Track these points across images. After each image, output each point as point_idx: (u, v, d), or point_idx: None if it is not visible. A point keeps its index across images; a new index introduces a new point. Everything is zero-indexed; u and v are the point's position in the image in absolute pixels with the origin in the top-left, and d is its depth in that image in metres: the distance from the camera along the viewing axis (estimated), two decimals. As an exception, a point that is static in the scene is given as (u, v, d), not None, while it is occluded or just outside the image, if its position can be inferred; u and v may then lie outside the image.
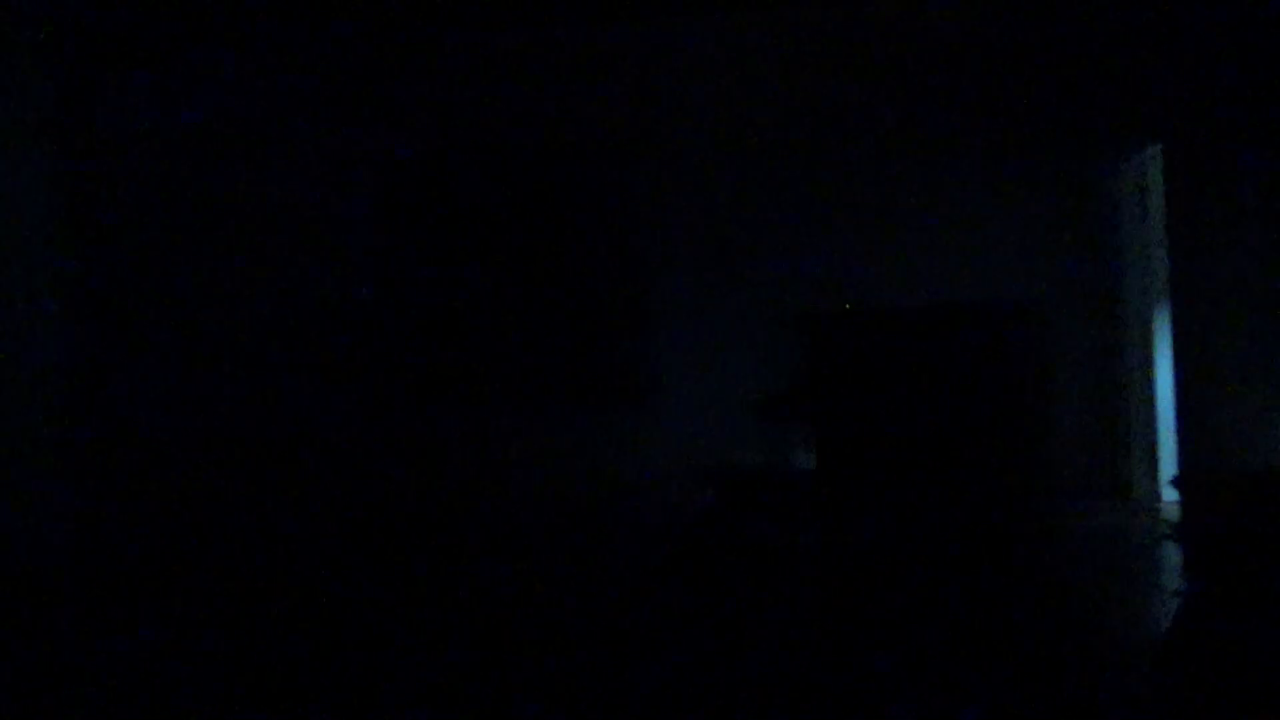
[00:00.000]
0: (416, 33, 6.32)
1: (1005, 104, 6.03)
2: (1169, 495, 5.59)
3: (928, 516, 4.25)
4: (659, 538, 5.25)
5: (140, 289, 6.41)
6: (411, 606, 4.11)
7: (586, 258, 6.34)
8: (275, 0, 5.78)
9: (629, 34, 6.29)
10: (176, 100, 6.47)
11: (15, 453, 5.50)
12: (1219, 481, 3.74)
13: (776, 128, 6.20)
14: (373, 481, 6.31)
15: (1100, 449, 5.92)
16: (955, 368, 4.36)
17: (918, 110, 6.08)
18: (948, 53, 6.08)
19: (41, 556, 5.42)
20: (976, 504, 4.25)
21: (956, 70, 6.07)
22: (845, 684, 2.92)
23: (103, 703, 2.96)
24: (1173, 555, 4.39)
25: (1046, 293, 5.82)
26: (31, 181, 5.85)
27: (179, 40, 6.28)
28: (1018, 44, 6.03)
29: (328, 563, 5.13)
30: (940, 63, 6.09)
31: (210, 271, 6.40)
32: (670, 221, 6.28)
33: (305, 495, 6.31)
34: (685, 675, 3.05)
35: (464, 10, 6.02)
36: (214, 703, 2.92)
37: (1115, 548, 4.78)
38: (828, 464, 4.46)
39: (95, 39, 6.19)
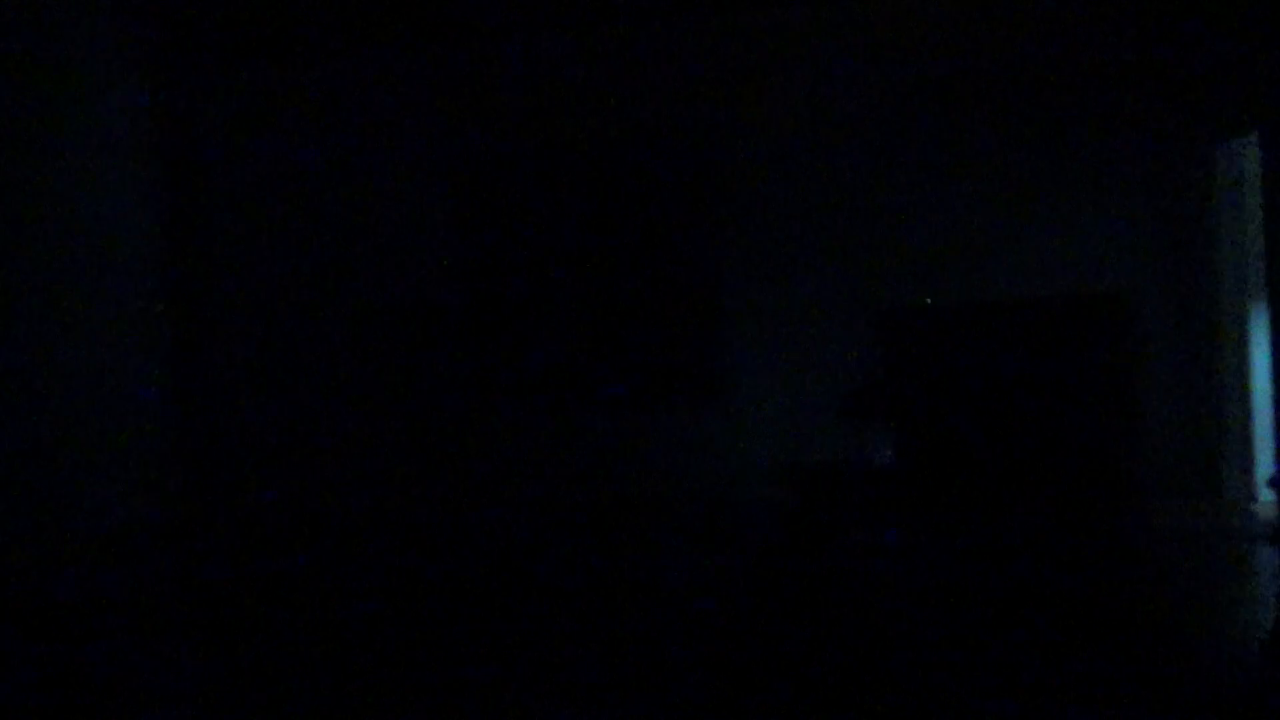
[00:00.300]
0: (498, 32, 6.41)
1: (1093, 90, 5.87)
2: (1265, 495, 5.41)
3: (1012, 515, 4.18)
4: (741, 536, 5.27)
5: (239, 287, 6.66)
6: (500, 595, 4.20)
7: (664, 257, 6.36)
8: (362, 6, 5.92)
9: (705, 26, 6.27)
10: (271, 106, 6.68)
11: (126, 438, 5.78)
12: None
13: (855, 120, 6.13)
14: (460, 474, 6.45)
15: (1193, 447, 5.75)
16: (1041, 363, 4.28)
17: (1001, 97, 5.95)
18: (1032, 38, 5.94)
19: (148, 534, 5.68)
20: (1062, 503, 4.17)
21: (1042, 56, 5.92)
22: (928, 680, 2.91)
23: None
24: (1269, 558, 4.26)
25: (1136, 284, 5.67)
26: (137, 188, 6.12)
27: (270, 47, 6.47)
28: (1107, 26, 5.86)
29: (420, 553, 5.27)
30: (1025, 48, 5.95)
31: (301, 271, 6.61)
32: (748, 218, 6.26)
33: (398, 487, 6.48)
34: (767, 672, 3.07)
35: (542, 7, 6.09)
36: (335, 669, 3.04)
37: (1208, 549, 4.65)
38: (909, 461, 4.41)
39: (194, 48, 6.42)
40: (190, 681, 3.21)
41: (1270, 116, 4.97)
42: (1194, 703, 2.72)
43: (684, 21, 6.29)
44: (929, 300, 5.66)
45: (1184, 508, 5.47)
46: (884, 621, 3.69)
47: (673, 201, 6.38)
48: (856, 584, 4.23)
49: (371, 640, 3.63)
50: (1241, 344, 5.58)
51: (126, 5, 5.95)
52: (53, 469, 5.22)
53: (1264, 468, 5.40)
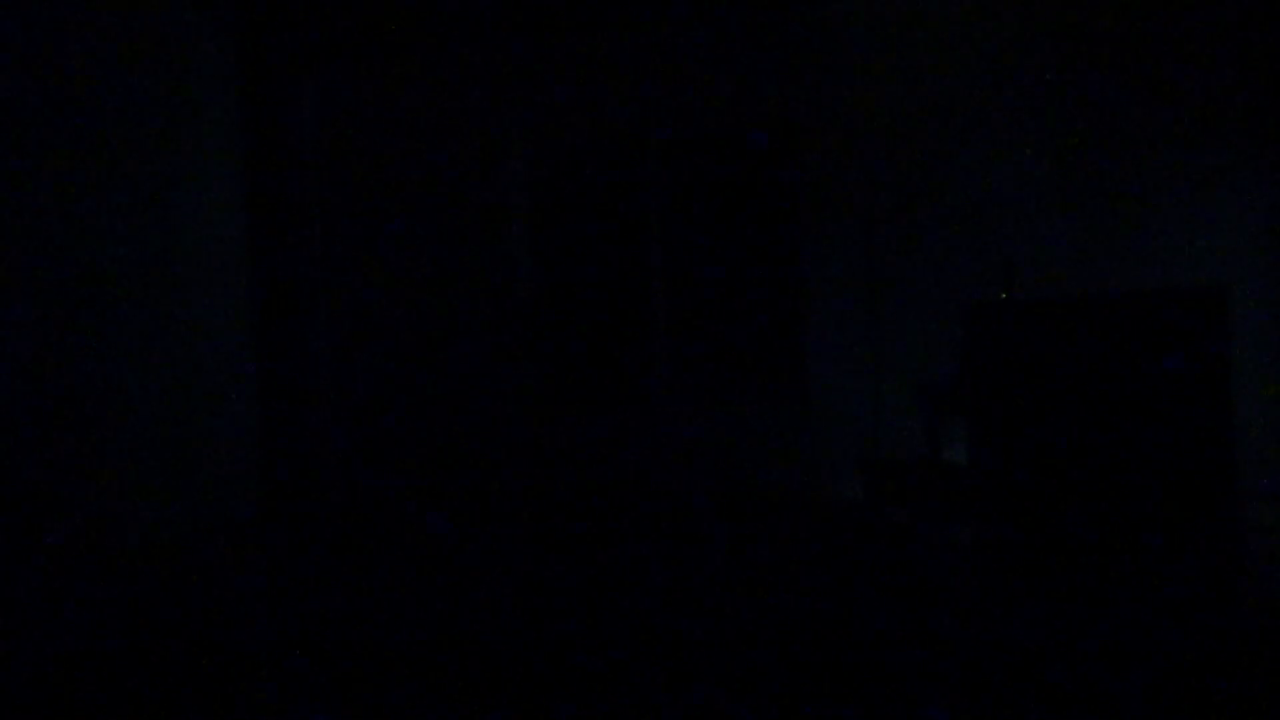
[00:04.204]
0: (572, 22, 6.41)
1: (1183, 78, 5.66)
2: (1369, 499, 5.17)
3: (1093, 516, 4.06)
4: (812, 529, 5.21)
5: (319, 283, 6.78)
6: (572, 591, 4.22)
7: (743, 249, 6.31)
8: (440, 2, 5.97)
9: (787, 14, 6.20)
10: (348, 101, 6.78)
11: (212, 437, 5.91)
12: None
13: (941, 110, 6.00)
14: (535, 476, 6.49)
15: (1289, 447, 5.53)
16: (1128, 359, 4.14)
17: (1086, 89, 5.78)
18: (1125, 29, 5.75)
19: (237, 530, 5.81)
20: (1147, 504, 4.04)
21: (1133, 45, 5.73)
22: (1000, 685, 2.83)
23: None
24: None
25: (1230, 277, 5.46)
26: (221, 184, 6.24)
27: (349, 43, 6.57)
28: (1198, 15, 5.64)
29: (496, 555, 5.31)
30: (1117, 39, 5.76)
31: (376, 268, 6.70)
32: (827, 208, 6.18)
33: (476, 491, 6.54)
34: (836, 666, 3.03)
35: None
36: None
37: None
38: (986, 457, 4.32)
39: (276, 45, 6.54)
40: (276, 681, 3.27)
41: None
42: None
43: (770, 8, 6.21)
44: (1004, 295, 5.52)
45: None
46: (954, 619, 3.61)
47: (756, 193, 6.32)
48: (928, 580, 4.15)
49: (469, 636, 3.66)
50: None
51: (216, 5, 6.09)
52: (146, 467, 5.37)
53: (1367, 471, 5.17)
